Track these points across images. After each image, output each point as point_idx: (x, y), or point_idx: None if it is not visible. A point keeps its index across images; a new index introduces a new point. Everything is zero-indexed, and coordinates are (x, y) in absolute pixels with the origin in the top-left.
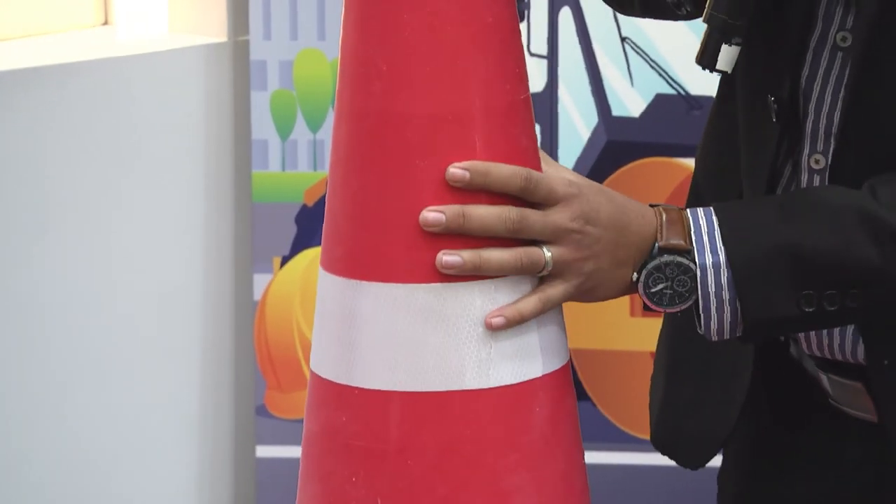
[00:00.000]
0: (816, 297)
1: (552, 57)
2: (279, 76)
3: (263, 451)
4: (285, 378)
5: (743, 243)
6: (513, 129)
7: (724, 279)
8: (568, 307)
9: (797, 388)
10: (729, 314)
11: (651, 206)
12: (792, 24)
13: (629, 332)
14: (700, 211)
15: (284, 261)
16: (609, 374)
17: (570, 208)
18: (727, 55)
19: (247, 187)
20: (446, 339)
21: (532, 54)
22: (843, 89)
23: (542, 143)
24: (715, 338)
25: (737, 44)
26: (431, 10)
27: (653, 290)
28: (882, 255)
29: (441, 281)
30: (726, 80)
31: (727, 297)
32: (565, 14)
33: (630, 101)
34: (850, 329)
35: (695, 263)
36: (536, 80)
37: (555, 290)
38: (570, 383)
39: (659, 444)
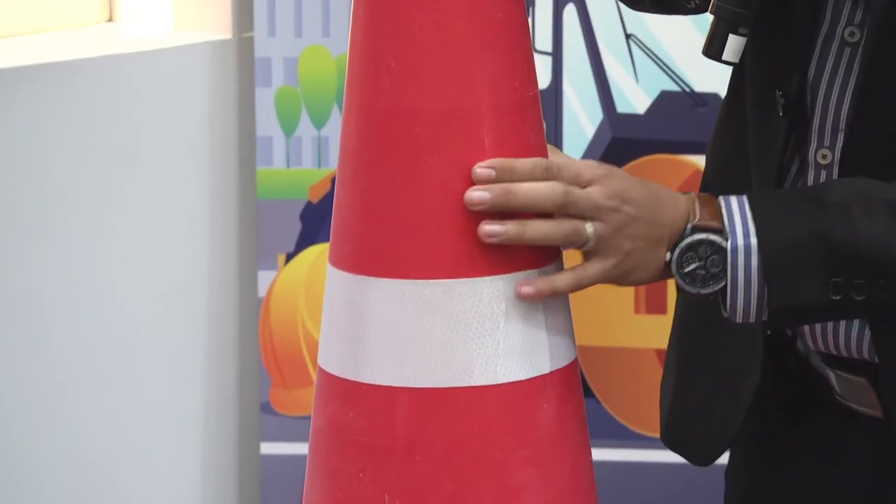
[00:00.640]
0: (845, 285)
1: (557, 54)
2: (284, 73)
3: (268, 448)
4: (290, 375)
5: (774, 229)
6: (521, 125)
7: (753, 263)
8: (572, 304)
9: (804, 384)
10: (755, 298)
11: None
12: (800, 20)
13: (634, 329)
14: (732, 197)
15: (289, 257)
16: (613, 371)
17: (604, 187)
18: (734, 45)
19: (251, 184)
20: (454, 335)
21: (537, 51)
22: (850, 84)
23: (547, 140)
24: (739, 320)
25: (743, 34)
26: (440, 6)
27: (686, 270)
28: None
29: (449, 277)
30: (735, 78)
31: (755, 281)
32: (570, 11)
33: (635, 97)
34: (857, 324)
35: (727, 243)
36: (541, 76)
37: (592, 267)
38: (578, 380)
39: (669, 442)
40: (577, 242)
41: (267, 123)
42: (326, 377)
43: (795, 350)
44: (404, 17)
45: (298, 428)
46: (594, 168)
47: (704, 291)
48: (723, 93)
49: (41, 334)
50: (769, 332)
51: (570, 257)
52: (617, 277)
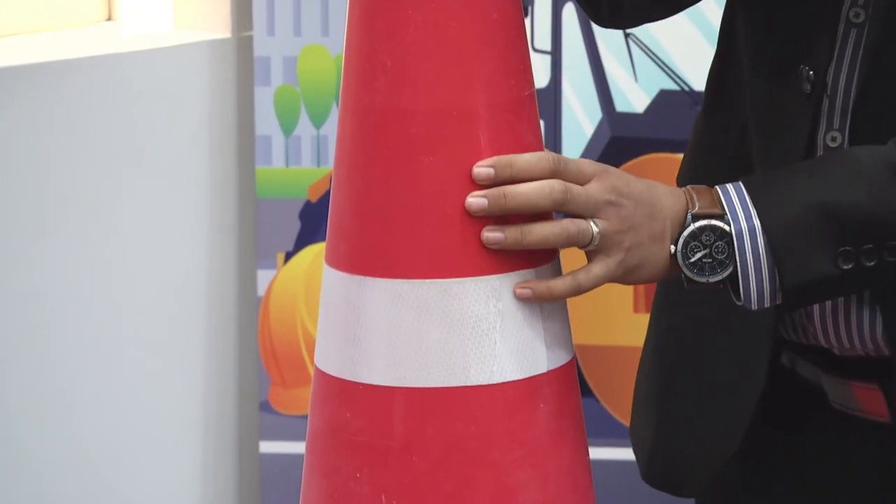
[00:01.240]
0: (854, 253)
1: (556, 53)
2: (283, 72)
3: (267, 447)
4: (289, 374)
5: (775, 206)
6: (518, 125)
7: (760, 243)
8: (571, 303)
9: (792, 396)
10: (768, 279)
11: None
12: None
13: (633, 327)
14: (727, 184)
15: (288, 257)
16: (612, 370)
17: (603, 182)
18: None
19: (250, 183)
20: (450, 335)
21: (536, 50)
22: (858, 66)
23: (545, 139)
24: (755, 306)
25: None
26: (436, 6)
27: (692, 260)
28: None
29: (445, 276)
30: (714, 84)
31: (765, 262)
32: (569, 10)
33: (634, 96)
34: (867, 314)
35: (730, 227)
36: (540, 76)
37: (597, 266)
38: (575, 379)
39: (654, 478)
40: (582, 243)
41: (266, 122)
42: (323, 377)
43: (779, 364)
44: (400, 17)
45: (298, 427)
46: (592, 164)
47: (714, 279)
48: None
49: (40, 333)
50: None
51: (571, 258)
52: (621, 276)
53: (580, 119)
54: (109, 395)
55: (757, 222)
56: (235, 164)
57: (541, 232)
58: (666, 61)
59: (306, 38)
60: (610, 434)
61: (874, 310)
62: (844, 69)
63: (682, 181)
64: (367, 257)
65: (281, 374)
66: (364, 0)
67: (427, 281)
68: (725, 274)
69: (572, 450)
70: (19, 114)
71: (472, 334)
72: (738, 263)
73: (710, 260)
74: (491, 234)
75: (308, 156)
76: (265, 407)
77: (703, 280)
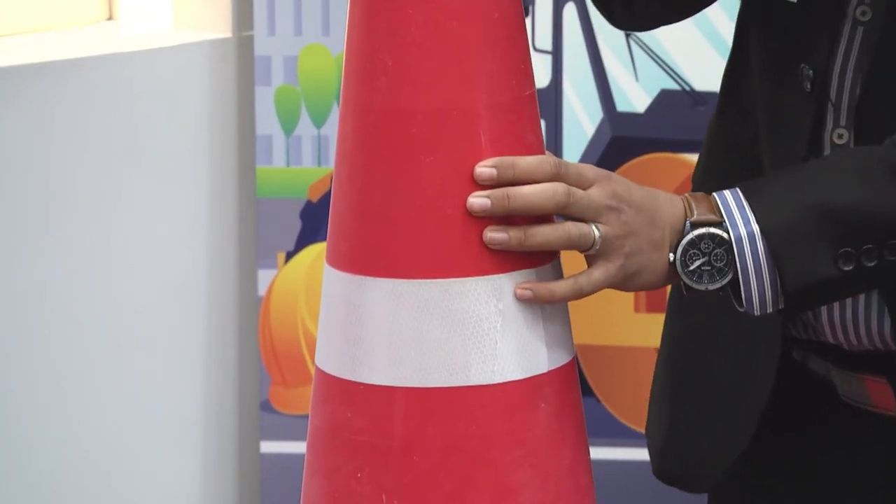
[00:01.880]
0: (854, 254)
1: (557, 53)
2: (283, 71)
3: (268, 447)
4: (290, 374)
5: (773, 210)
6: (519, 124)
7: (760, 248)
8: (572, 302)
9: (804, 390)
10: (769, 284)
11: None
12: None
13: (633, 327)
14: (725, 190)
15: (289, 256)
16: (613, 370)
17: (604, 187)
18: None
19: (251, 183)
20: (451, 335)
21: (537, 50)
22: (864, 63)
23: (546, 139)
24: (757, 312)
25: None
26: (437, 5)
27: (691, 267)
28: None
29: (446, 276)
30: (728, 85)
31: (765, 267)
32: (570, 10)
33: (635, 96)
34: (876, 308)
35: (728, 234)
36: (541, 75)
37: (597, 271)
38: (576, 379)
39: (665, 474)
40: (584, 246)
41: (267, 122)
42: (324, 377)
43: (791, 359)
44: (401, 17)
45: (298, 426)
46: (594, 170)
47: (713, 287)
48: None
49: (40, 333)
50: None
51: (571, 261)
52: (621, 281)
53: (581, 119)
54: (109, 394)
55: (756, 227)
56: (236, 164)
57: (543, 234)
58: (667, 61)
59: (307, 37)
60: (610, 434)
61: (882, 309)
62: (851, 67)
63: (696, 182)
64: (368, 257)
65: (281, 373)
66: (365, 0)
67: (428, 281)
68: (724, 281)
69: (573, 450)
70: (20, 113)
71: (472, 334)
72: (739, 269)
73: (709, 268)
74: (494, 235)
75: (309, 155)
76: (266, 406)
77: (703, 288)
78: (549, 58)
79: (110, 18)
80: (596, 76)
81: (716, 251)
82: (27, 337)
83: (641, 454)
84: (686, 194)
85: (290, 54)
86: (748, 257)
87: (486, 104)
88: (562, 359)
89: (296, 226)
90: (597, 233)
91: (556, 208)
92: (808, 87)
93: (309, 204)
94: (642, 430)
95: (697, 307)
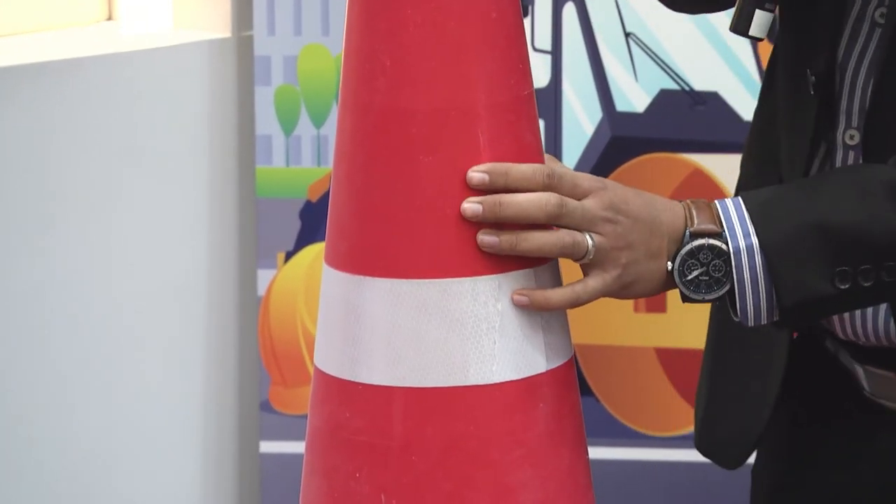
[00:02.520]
0: (851, 273)
1: (556, 52)
2: (283, 71)
3: (267, 447)
4: (289, 373)
5: (773, 225)
6: (517, 124)
7: (757, 262)
8: None
9: (832, 383)
10: (764, 298)
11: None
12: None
13: (633, 328)
14: (727, 199)
15: (288, 256)
16: (613, 370)
17: (600, 198)
18: (760, 20)
19: (251, 183)
20: (449, 335)
21: (536, 50)
22: (878, 64)
23: (546, 139)
24: (751, 323)
25: (769, 9)
26: (435, 5)
27: (689, 277)
28: None
29: (444, 276)
30: (769, 73)
31: (762, 281)
32: (569, 9)
33: (634, 96)
34: (883, 310)
35: (727, 246)
36: (540, 75)
37: (593, 281)
38: (574, 378)
39: (701, 448)
40: (577, 255)
41: (266, 122)
42: (323, 376)
43: (824, 348)
44: (399, 17)
45: (298, 426)
46: (591, 179)
47: (710, 297)
48: (723, 91)
49: (40, 333)
50: (795, 333)
51: (569, 263)
52: (617, 291)
53: (580, 119)
54: (109, 394)
55: (755, 240)
56: (236, 164)
57: (536, 240)
58: (666, 61)
59: (307, 37)
60: (610, 434)
61: (887, 309)
62: (864, 67)
63: (743, 164)
64: (367, 257)
65: (281, 373)
66: (363, 0)
67: (427, 281)
68: (721, 292)
69: (572, 450)
70: (19, 113)
71: (471, 334)
72: (736, 281)
73: (707, 278)
74: (486, 238)
75: (308, 155)
76: (265, 406)
77: (699, 298)
78: (548, 57)
79: (110, 18)
80: (595, 76)
81: (714, 262)
82: (27, 337)
83: (641, 454)
84: (687, 201)
85: (289, 54)
86: (745, 269)
87: (485, 104)
88: (560, 359)
89: (295, 226)
90: (590, 242)
91: (548, 218)
92: (812, 91)
93: (308, 204)
94: (642, 430)
95: None
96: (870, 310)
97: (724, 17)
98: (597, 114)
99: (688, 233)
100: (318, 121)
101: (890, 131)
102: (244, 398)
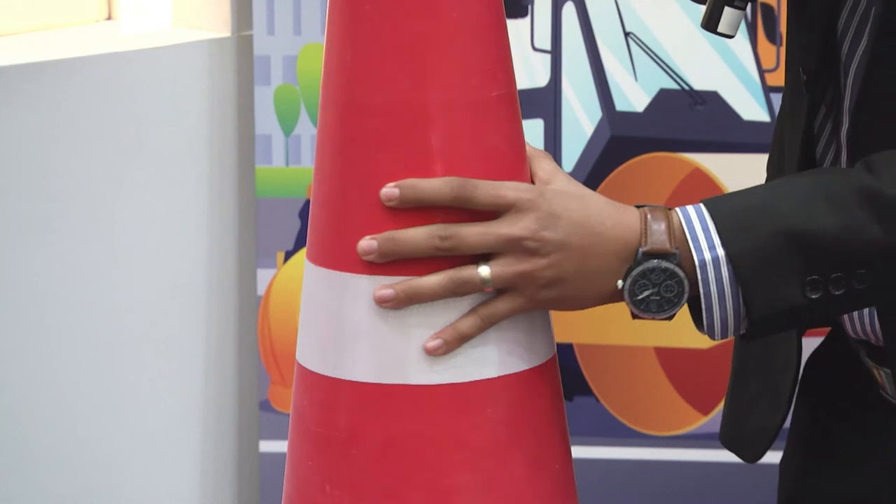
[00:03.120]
0: (822, 281)
1: (556, 52)
2: (283, 71)
3: (267, 446)
4: (289, 373)
5: (740, 234)
6: (478, 126)
7: (724, 274)
8: None
9: (853, 380)
10: (732, 310)
11: (638, 206)
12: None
13: (633, 327)
14: (689, 207)
15: (288, 256)
16: (612, 369)
17: (522, 214)
18: (729, 18)
19: (250, 182)
20: (396, 332)
21: (536, 49)
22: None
23: (545, 138)
24: (717, 337)
25: (739, 7)
26: (394, 2)
27: (639, 297)
28: (886, 231)
29: (396, 274)
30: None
31: (729, 293)
32: (569, 9)
33: (634, 95)
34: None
35: (680, 267)
36: (540, 75)
37: (501, 303)
38: (539, 388)
39: (726, 441)
40: (471, 291)
41: (266, 122)
42: (297, 365)
43: (847, 345)
44: (359, 13)
45: None
46: (522, 191)
47: (661, 317)
48: (722, 91)
49: (39, 332)
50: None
51: None
52: (546, 305)
53: (580, 118)
54: (109, 393)
55: (720, 252)
56: (235, 164)
57: (427, 286)
58: (666, 60)
59: (306, 37)
60: (609, 433)
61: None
62: (859, 67)
63: (771, 152)
64: (322, 249)
65: (281, 372)
66: None
67: (378, 277)
68: (673, 312)
69: (527, 459)
70: (19, 113)
71: (418, 333)
72: (702, 294)
73: (658, 298)
74: (382, 293)
75: (308, 155)
76: (265, 406)
77: (649, 316)
78: (548, 57)
79: (109, 18)
80: (595, 75)
81: (666, 283)
82: (27, 336)
83: (641, 453)
84: (645, 209)
85: (289, 54)
86: (712, 283)
87: (439, 104)
88: (517, 366)
89: (295, 225)
90: (484, 273)
91: (437, 251)
92: (804, 90)
93: (308, 203)
94: (642, 429)
95: None
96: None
97: None
98: (596, 113)
99: (640, 252)
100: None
101: (877, 129)
102: (244, 398)
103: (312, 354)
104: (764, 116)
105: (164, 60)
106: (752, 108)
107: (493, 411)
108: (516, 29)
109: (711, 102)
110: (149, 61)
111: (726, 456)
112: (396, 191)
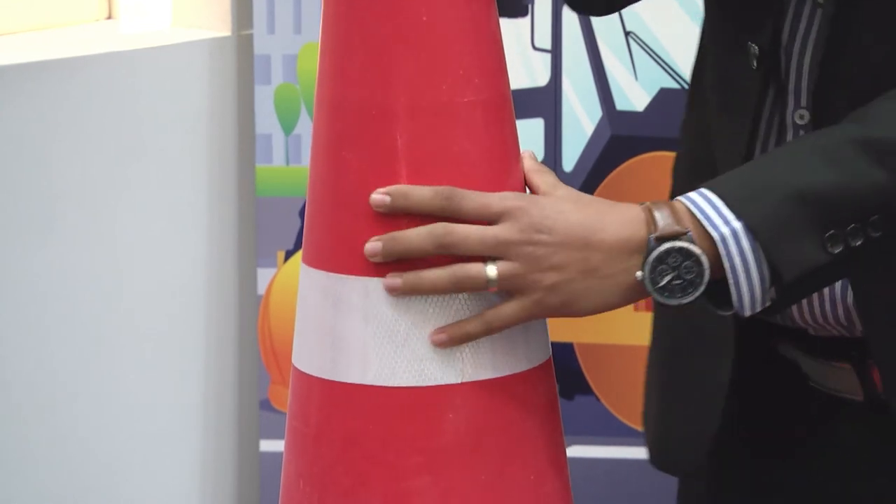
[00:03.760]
0: (841, 235)
1: (556, 51)
2: (283, 70)
3: (267, 446)
4: (288, 372)
5: (751, 204)
6: (447, 130)
7: (746, 245)
8: None
9: (781, 377)
10: (759, 280)
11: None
12: None
13: (633, 326)
14: (690, 193)
15: (288, 255)
16: (612, 368)
17: (515, 220)
18: None
19: (251, 182)
20: (365, 333)
21: (536, 48)
22: (821, 44)
23: (545, 138)
24: (748, 312)
25: None
26: (366, 3)
27: (661, 284)
28: (888, 172)
29: (365, 274)
30: (696, 79)
31: (753, 264)
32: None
33: (634, 95)
34: (839, 288)
35: (695, 244)
36: (540, 74)
37: (508, 307)
38: (511, 395)
39: (657, 461)
40: (475, 288)
41: (266, 121)
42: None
43: (768, 346)
44: (337, 12)
45: None
46: (509, 199)
47: (686, 300)
48: None
49: (39, 332)
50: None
51: None
52: (548, 312)
53: (580, 118)
54: (109, 393)
55: (737, 224)
56: (235, 163)
57: (429, 279)
58: (666, 60)
59: (306, 36)
60: (610, 433)
61: (845, 283)
62: (809, 48)
63: (675, 176)
64: (306, 248)
65: (281, 372)
66: None
67: (350, 277)
68: (697, 294)
69: (492, 468)
70: (19, 112)
71: (385, 334)
72: (727, 269)
73: (680, 281)
74: (390, 281)
75: (308, 154)
76: (265, 405)
77: (675, 303)
78: (548, 56)
79: (110, 17)
80: (595, 75)
81: (685, 263)
82: (27, 336)
83: (641, 452)
84: (647, 203)
85: (289, 53)
86: (735, 257)
87: (405, 106)
88: (484, 374)
89: (295, 224)
90: (490, 271)
91: (437, 249)
92: (755, 64)
93: None
94: (640, 429)
95: None
96: (826, 290)
97: None
98: (597, 112)
99: (651, 238)
100: None
101: (839, 111)
102: (244, 397)
103: (296, 351)
104: None
105: (164, 60)
106: None
107: (455, 416)
108: (516, 28)
109: None
110: (149, 61)
111: None
112: (388, 198)
